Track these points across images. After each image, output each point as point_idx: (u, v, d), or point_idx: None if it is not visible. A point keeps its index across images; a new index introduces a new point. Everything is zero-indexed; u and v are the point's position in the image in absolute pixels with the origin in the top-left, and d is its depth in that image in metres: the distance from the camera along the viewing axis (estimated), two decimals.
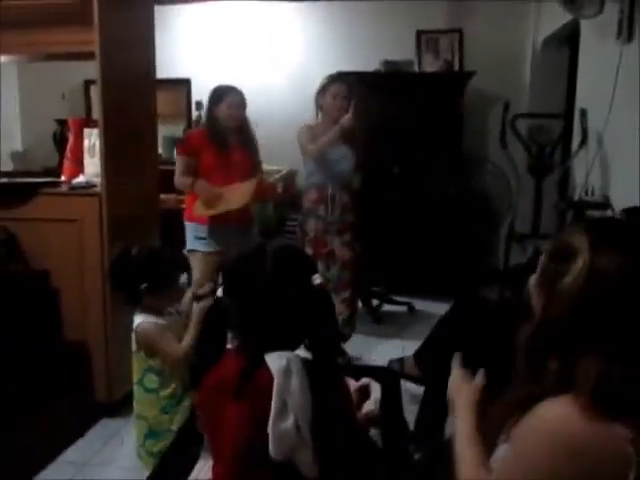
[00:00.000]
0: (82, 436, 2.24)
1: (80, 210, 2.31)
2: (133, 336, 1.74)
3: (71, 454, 2.17)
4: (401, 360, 2.40)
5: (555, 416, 0.83)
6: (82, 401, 2.32)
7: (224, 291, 1.18)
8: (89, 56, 2.24)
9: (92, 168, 2.43)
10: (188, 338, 1.68)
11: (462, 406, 1.10)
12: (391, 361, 2.46)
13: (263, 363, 1.06)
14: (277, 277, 1.11)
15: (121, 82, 2.41)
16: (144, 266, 1.68)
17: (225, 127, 2.86)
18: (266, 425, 1.02)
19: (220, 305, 1.19)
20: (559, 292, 0.86)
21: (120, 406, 2.38)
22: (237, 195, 2.79)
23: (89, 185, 2.39)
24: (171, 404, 1.74)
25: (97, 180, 2.36)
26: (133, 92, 2.53)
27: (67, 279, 2.34)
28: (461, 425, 1.08)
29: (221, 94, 2.92)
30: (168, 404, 1.73)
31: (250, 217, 3.04)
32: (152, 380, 1.73)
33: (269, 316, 1.10)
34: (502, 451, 1.00)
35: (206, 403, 1.13)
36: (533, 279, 0.97)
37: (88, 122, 2.72)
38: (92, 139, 2.43)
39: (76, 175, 2.50)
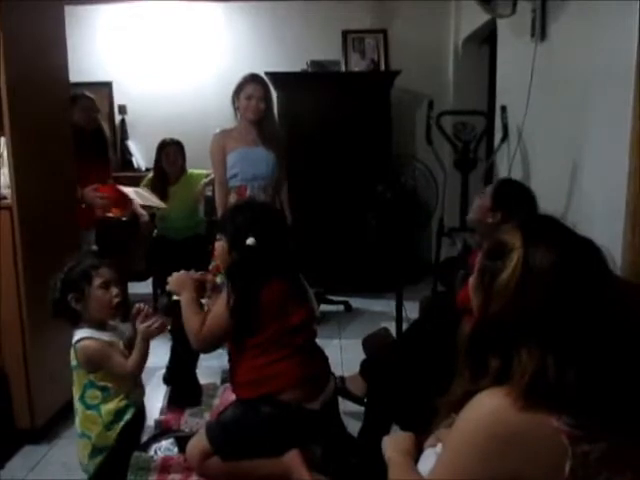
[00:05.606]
0: (2, 467, 2.08)
1: None
2: (72, 351, 1.67)
3: None
4: (342, 379, 2.30)
5: (491, 407, 0.84)
6: (1, 429, 2.16)
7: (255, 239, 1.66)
8: None
9: (1, 179, 2.27)
10: (134, 357, 1.65)
11: (394, 454, 1.10)
12: None
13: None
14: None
15: (30, 85, 2.25)
16: (67, 276, 1.65)
17: (80, 130, 2.86)
18: None
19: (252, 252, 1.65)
20: (496, 289, 0.87)
21: (44, 431, 2.25)
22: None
23: None
24: (114, 420, 1.67)
25: (7, 192, 2.21)
26: (43, 95, 2.38)
27: None
28: (393, 467, 1.07)
29: (73, 98, 2.89)
30: (111, 420, 1.66)
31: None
32: (94, 395, 1.66)
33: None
34: (432, 453, 1.01)
35: (273, 303, 1.67)
36: (472, 279, 0.98)
37: None
38: (0, 148, 2.27)
39: None
